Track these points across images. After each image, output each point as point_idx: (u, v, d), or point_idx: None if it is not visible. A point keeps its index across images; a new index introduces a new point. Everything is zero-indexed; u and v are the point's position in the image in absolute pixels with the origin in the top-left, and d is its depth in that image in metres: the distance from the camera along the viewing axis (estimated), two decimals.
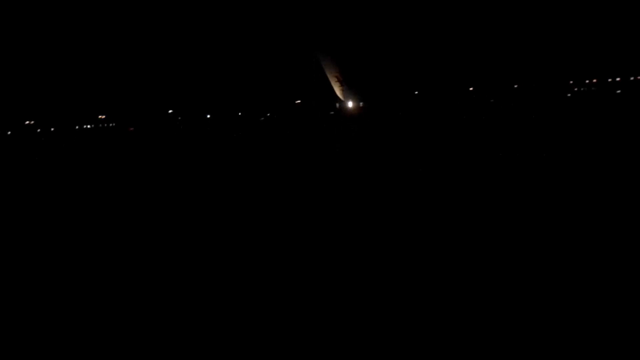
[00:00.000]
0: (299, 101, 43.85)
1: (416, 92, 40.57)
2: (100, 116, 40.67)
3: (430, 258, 6.89)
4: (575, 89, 38.34)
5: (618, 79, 39.11)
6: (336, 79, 42.43)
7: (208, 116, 43.49)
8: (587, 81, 38.95)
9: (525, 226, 7.90)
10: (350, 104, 42.61)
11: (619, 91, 37.84)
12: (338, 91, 42.83)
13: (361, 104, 41.98)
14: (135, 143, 34.50)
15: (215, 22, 39.98)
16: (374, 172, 14.57)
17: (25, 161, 25.27)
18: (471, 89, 39.98)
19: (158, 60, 41.16)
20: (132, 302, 6.15)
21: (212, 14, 39.70)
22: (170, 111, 41.98)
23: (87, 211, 12.12)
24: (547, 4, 36.19)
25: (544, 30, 37.10)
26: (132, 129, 41.45)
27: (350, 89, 42.08)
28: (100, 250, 8.53)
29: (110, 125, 41.09)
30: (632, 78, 37.83)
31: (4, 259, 8.41)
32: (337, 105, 43.39)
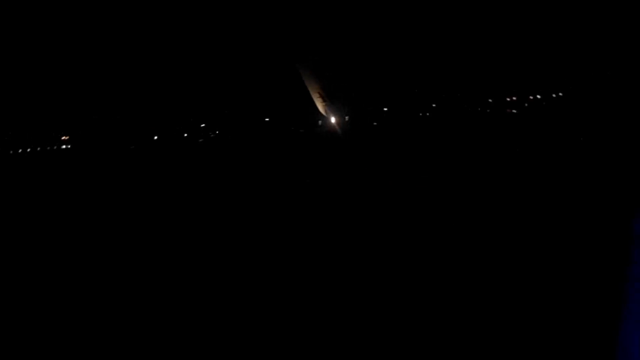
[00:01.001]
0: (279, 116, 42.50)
1: (400, 106, 39.94)
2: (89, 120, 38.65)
3: (427, 260, 7.15)
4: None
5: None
6: (318, 95, 41.34)
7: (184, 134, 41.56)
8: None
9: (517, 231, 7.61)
10: (333, 120, 41.51)
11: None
12: (320, 107, 41.69)
13: (346, 118, 40.90)
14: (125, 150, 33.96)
15: (193, 35, 38.46)
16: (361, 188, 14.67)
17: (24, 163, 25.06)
18: (460, 102, 39.68)
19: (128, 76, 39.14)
20: (131, 303, 6.28)
21: (189, 26, 38.19)
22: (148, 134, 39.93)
23: (84, 213, 11.81)
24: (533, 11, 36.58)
25: (534, 37, 37.37)
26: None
27: (334, 104, 41.01)
28: (100, 252, 8.57)
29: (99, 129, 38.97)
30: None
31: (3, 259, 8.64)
32: (320, 122, 42.22)
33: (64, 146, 37.96)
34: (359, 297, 5.88)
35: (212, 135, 42.08)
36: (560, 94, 37.27)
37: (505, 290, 5.69)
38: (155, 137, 41.21)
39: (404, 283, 6.28)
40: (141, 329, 5.39)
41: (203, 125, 42.35)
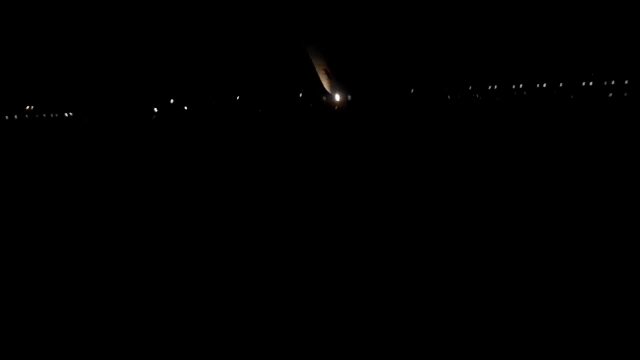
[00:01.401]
0: (287, 93, 43.13)
1: (407, 88, 40.26)
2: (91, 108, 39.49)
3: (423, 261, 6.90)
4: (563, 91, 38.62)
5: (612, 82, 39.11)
6: (324, 72, 41.86)
7: (190, 108, 42.44)
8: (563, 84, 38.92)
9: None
10: (337, 97, 42.18)
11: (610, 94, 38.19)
12: (326, 84, 42.30)
13: (349, 97, 41.58)
14: (127, 138, 33.58)
15: (201, 16, 38.79)
16: (365, 171, 14.27)
17: (21, 154, 24.54)
18: (467, 86, 39.87)
19: (146, 54, 39.90)
20: (131, 302, 6.13)
21: (198, 7, 38.48)
22: (155, 108, 40.87)
23: (81, 208, 11.70)
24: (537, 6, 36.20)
25: (536, 29, 37.13)
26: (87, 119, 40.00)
27: (338, 81, 41.58)
28: (98, 249, 8.41)
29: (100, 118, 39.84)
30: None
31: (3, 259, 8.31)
32: (324, 98, 42.89)
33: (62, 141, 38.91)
34: (359, 287, 6.06)
35: (215, 106, 42.70)
36: (561, 90, 37.23)
37: (506, 289, 5.76)
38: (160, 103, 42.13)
39: (402, 271, 6.46)
40: (141, 328, 5.47)
41: (206, 97, 43.05)
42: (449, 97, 40.45)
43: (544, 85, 38.69)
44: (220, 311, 5.68)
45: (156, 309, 5.92)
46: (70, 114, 39.07)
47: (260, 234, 8.56)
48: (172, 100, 42.96)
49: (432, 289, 5.84)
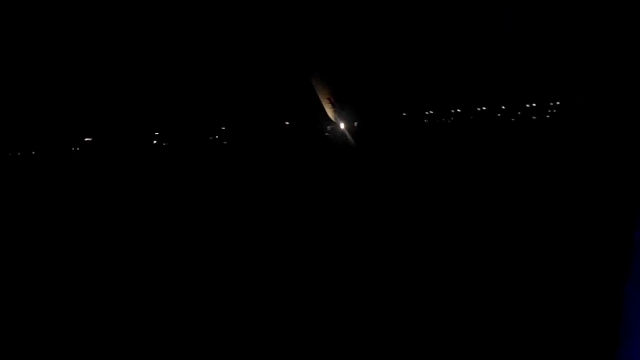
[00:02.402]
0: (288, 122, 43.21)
1: (406, 114, 40.56)
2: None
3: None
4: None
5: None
6: (328, 100, 42.09)
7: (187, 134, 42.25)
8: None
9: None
10: (342, 125, 42.29)
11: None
12: (330, 112, 42.47)
13: (355, 124, 41.71)
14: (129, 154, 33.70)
15: (203, 40, 39.13)
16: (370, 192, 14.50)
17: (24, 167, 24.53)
18: (465, 109, 40.29)
19: (142, 74, 39.90)
20: (131, 303, 6.23)
21: (199, 33, 38.85)
22: (156, 133, 40.68)
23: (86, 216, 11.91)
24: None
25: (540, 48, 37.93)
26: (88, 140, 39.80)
27: (343, 109, 41.78)
28: (101, 254, 8.56)
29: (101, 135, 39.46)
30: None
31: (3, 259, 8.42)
32: (329, 127, 43.00)
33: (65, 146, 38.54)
34: (363, 296, 6.08)
35: (221, 139, 42.72)
36: (562, 100, 37.90)
37: (507, 289, 5.84)
38: (164, 142, 42.01)
39: (408, 282, 6.49)
40: (141, 328, 5.44)
41: (213, 129, 43.07)
42: (451, 120, 40.80)
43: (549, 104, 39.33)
44: (221, 312, 5.74)
45: (156, 309, 5.96)
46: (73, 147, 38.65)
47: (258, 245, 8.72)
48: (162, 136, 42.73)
49: (431, 294, 5.88)
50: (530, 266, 6.43)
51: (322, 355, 4.56)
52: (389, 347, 4.62)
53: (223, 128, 42.88)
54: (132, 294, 6.49)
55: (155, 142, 42.46)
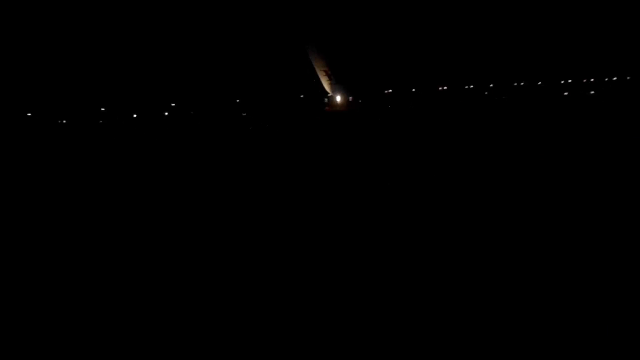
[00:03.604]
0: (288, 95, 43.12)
1: (409, 88, 40.38)
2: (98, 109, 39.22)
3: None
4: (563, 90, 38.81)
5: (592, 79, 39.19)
6: (324, 73, 41.95)
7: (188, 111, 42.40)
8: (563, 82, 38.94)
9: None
10: (338, 98, 42.25)
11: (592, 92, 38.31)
12: (326, 85, 42.39)
13: (350, 98, 41.68)
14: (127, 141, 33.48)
15: (201, 17, 38.87)
16: (365, 172, 14.25)
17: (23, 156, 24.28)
18: (466, 86, 40.06)
19: (146, 55, 39.92)
20: (131, 302, 6.05)
21: (198, 8, 38.55)
22: (165, 112, 40.89)
23: (83, 209, 11.64)
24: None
25: (537, 28, 37.41)
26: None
27: (339, 82, 41.69)
28: (99, 250, 8.32)
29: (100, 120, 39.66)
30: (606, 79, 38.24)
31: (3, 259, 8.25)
32: (326, 99, 42.95)
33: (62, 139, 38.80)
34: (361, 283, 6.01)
35: (213, 109, 42.67)
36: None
37: (507, 288, 5.70)
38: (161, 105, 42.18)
39: (404, 271, 6.40)
40: (140, 327, 5.38)
41: (209, 102, 43.06)
42: (449, 95, 40.66)
43: (540, 83, 39.02)
44: (221, 311, 5.57)
45: (156, 309, 5.79)
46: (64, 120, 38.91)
47: (260, 236, 8.52)
48: (173, 104, 42.97)
49: (432, 289, 5.76)
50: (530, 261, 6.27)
51: (321, 355, 4.56)
52: (388, 346, 4.56)
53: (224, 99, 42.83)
54: (130, 287, 6.46)
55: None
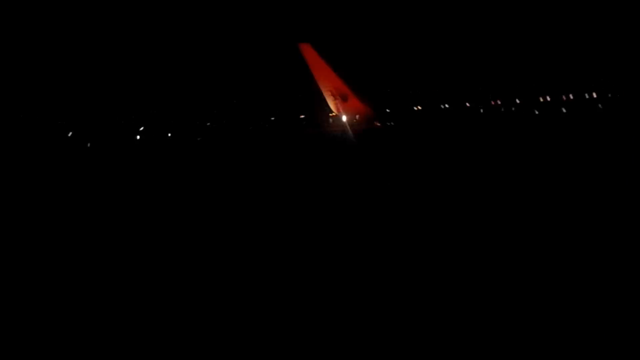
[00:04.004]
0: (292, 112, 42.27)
1: (417, 107, 39.71)
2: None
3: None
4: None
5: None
6: (330, 93, 41.06)
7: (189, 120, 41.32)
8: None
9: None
10: (344, 118, 41.28)
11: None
12: (332, 105, 41.45)
13: (357, 117, 40.65)
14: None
15: (204, 27, 38.14)
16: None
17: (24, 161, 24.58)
18: (467, 102, 39.40)
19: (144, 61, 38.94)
20: (132, 302, 6.23)
21: (201, 19, 37.85)
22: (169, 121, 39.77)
23: (87, 212, 11.85)
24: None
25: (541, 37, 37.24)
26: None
27: (346, 101, 40.76)
28: (101, 251, 8.67)
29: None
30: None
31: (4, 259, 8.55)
32: (331, 120, 42.04)
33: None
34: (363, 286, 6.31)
35: (220, 132, 41.92)
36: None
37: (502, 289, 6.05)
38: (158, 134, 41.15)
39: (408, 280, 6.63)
40: (140, 327, 5.57)
41: (212, 121, 42.21)
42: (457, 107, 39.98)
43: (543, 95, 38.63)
44: (220, 311, 5.79)
45: (156, 309, 6.03)
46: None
47: (257, 236, 8.86)
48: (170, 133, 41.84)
49: (431, 289, 6.03)
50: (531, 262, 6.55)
51: (321, 355, 4.55)
52: (388, 345, 4.63)
53: (223, 121, 41.85)
54: (128, 288, 6.62)
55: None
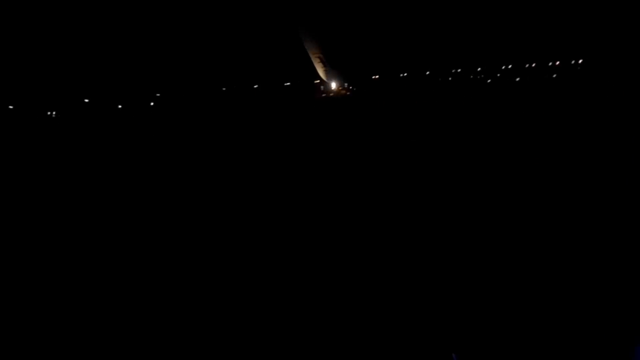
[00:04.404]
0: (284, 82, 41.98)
1: (404, 74, 40.00)
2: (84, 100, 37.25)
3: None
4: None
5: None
6: (319, 60, 40.94)
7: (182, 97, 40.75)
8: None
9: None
10: (333, 85, 41.48)
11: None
12: (321, 72, 41.44)
13: (345, 84, 40.93)
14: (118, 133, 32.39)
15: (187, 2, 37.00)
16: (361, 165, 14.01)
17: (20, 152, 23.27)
18: (459, 70, 39.96)
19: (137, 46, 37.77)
20: (132, 302, 6.13)
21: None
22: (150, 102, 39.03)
23: (82, 207, 11.29)
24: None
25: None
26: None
27: (334, 69, 40.81)
28: (100, 249, 8.21)
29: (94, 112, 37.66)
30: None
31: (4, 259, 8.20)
32: (321, 87, 42.08)
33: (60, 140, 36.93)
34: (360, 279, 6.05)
35: (212, 97, 41.43)
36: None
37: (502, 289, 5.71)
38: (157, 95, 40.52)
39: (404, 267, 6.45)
40: (141, 328, 5.40)
41: (203, 87, 41.60)
42: (443, 79, 40.51)
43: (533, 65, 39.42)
44: (221, 311, 5.58)
45: (156, 309, 5.80)
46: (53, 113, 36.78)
47: (254, 233, 8.34)
48: (158, 94, 41.14)
49: (431, 289, 5.71)
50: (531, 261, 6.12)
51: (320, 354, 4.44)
52: (387, 345, 4.48)
53: (222, 88, 41.34)
54: (125, 288, 6.31)
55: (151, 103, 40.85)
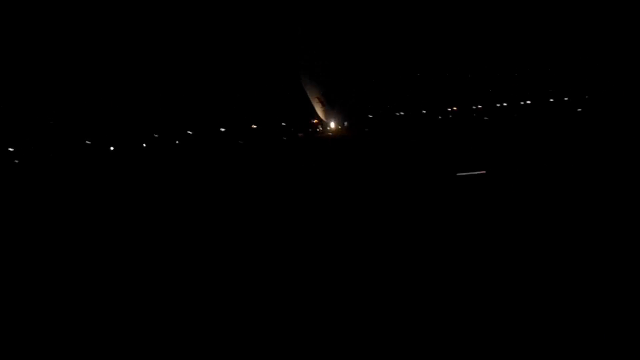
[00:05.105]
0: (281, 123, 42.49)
1: (401, 113, 40.93)
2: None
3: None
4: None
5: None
6: (318, 100, 41.78)
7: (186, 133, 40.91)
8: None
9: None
10: (332, 125, 42.08)
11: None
12: (320, 112, 42.19)
13: (345, 124, 41.60)
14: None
15: (193, 39, 37.97)
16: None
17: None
18: (454, 108, 41.05)
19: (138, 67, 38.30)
20: (133, 302, 6.02)
21: (190, 31, 37.66)
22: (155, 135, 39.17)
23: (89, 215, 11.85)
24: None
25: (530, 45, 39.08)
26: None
27: (333, 109, 41.58)
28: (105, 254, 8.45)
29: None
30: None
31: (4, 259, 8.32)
32: (319, 127, 42.68)
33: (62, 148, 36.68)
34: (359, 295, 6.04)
35: (213, 139, 41.60)
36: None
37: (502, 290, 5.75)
38: (156, 136, 40.60)
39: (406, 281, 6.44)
40: (141, 328, 5.41)
41: (203, 129, 41.89)
42: (442, 117, 41.45)
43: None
44: (220, 311, 5.61)
45: (156, 309, 5.82)
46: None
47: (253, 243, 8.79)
48: (156, 135, 41.30)
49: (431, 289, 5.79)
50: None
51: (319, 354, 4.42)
52: (387, 345, 4.45)
53: (221, 129, 41.62)
54: (129, 291, 6.42)
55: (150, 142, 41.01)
